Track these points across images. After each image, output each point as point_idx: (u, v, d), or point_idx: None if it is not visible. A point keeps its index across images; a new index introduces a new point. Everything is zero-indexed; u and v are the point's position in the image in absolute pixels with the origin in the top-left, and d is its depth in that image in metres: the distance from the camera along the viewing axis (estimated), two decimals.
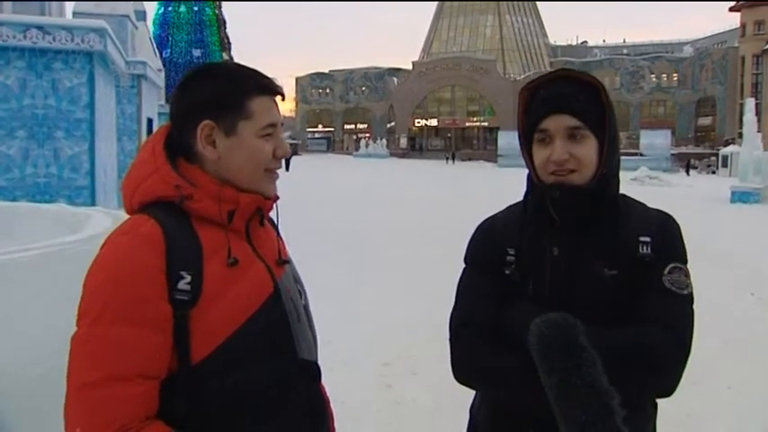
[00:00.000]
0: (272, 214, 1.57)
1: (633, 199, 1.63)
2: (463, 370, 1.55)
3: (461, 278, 1.65)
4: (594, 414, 1.27)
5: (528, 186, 1.60)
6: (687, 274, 1.51)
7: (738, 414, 4.59)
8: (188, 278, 1.26)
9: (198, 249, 1.30)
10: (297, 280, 1.53)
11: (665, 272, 1.48)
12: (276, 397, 1.36)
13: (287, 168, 40.86)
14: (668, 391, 1.44)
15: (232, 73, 1.43)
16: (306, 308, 1.52)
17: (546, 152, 1.52)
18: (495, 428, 1.60)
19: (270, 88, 1.43)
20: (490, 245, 1.61)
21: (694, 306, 1.50)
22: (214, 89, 1.39)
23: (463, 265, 1.68)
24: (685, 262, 1.53)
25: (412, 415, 4.40)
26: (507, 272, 1.55)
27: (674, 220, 1.58)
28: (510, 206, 1.69)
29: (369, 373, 5.15)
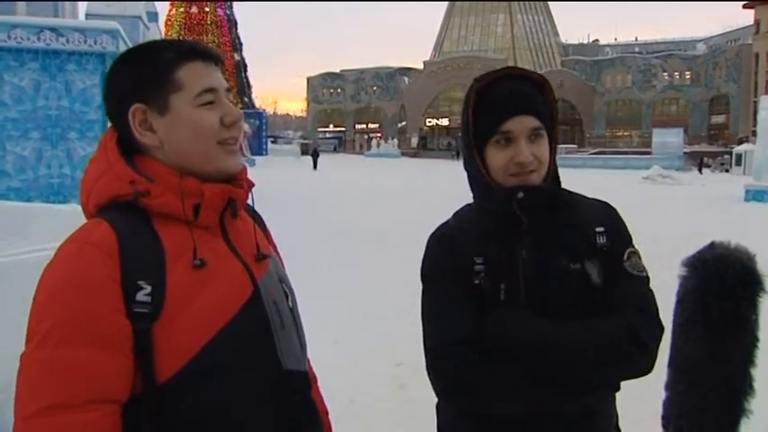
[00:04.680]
0: (274, 206, 1.48)
1: (573, 191, 1.64)
2: (461, 390, 1.48)
3: (427, 295, 1.58)
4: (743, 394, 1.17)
5: (480, 190, 1.56)
6: (640, 257, 1.56)
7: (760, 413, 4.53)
8: (148, 288, 1.13)
9: (159, 254, 1.17)
10: (282, 279, 1.37)
11: (625, 258, 1.52)
12: (257, 415, 1.22)
13: (314, 167, 41.26)
14: (650, 369, 1.48)
15: (150, 47, 1.30)
16: (293, 310, 1.36)
17: (506, 153, 1.49)
18: None
19: (196, 52, 1.27)
20: (453, 256, 1.54)
21: None
22: (135, 69, 1.26)
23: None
24: (633, 245, 1.57)
25: (425, 414, 4.38)
26: (476, 281, 1.50)
27: (615, 208, 1.62)
28: (457, 213, 1.66)
29: (382, 373, 5.14)
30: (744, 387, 1.14)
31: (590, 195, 1.68)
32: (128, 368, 1.12)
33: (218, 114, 1.26)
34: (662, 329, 1.48)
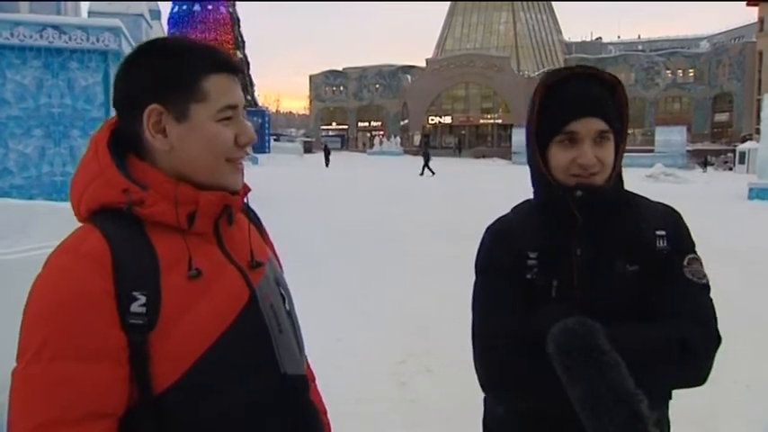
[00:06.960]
0: (263, 209, 1.44)
1: (637, 194, 1.62)
2: (504, 384, 1.47)
3: (478, 287, 1.58)
4: (624, 422, 1.23)
5: (540, 188, 1.56)
6: (702, 264, 1.53)
7: (757, 413, 4.54)
8: (142, 299, 1.10)
9: (153, 263, 1.14)
10: (279, 283, 1.35)
11: (685, 263, 1.49)
12: (256, 421, 1.19)
13: (326, 164, 41.67)
14: (702, 381, 1.45)
15: (181, 48, 1.24)
16: (290, 314, 1.34)
17: (569, 154, 1.48)
18: None
19: (227, 65, 1.24)
20: (507, 250, 1.54)
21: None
22: (161, 68, 1.21)
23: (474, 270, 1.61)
24: (696, 252, 1.54)
25: (427, 412, 4.39)
26: (529, 276, 1.50)
27: (679, 212, 1.59)
28: (515, 207, 1.66)
29: (383, 371, 5.14)
30: (631, 401, 1.26)
31: None
32: (124, 380, 1.10)
33: (233, 131, 1.24)
34: (718, 340, 1.45)
